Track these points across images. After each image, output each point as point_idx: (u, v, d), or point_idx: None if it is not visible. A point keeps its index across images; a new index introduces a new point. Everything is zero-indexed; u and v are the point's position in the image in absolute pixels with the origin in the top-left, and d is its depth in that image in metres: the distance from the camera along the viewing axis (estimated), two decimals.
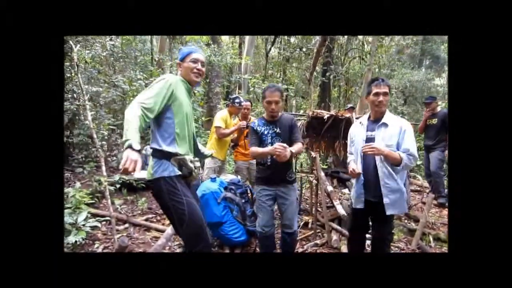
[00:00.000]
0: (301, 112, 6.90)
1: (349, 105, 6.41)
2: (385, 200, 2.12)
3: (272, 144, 2.38)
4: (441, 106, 6.30)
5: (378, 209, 2.18)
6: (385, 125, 2.19)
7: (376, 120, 2.26)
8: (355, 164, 2.28)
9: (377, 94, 2.17)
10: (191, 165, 1.83)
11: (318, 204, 3.54)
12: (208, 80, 7.68)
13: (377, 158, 2.16)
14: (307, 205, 4.30)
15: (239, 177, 3.45)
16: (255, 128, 2.51)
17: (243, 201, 3.01)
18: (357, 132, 2.34)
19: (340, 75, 9.00)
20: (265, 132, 2.44)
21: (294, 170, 2.59)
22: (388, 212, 2.12)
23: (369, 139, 2.23)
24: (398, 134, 2.14)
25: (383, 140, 2.15)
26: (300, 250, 3.05)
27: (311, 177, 3.90)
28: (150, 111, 1.60)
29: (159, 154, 1.73)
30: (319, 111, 3.74)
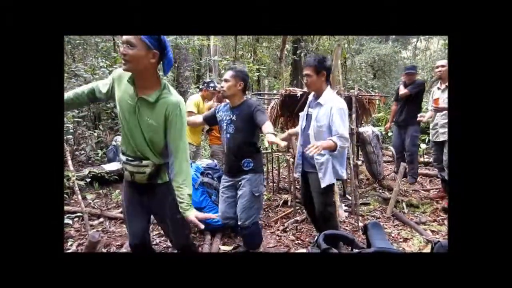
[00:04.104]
0: (274, 91, 6.85)
1: None
2: (319, 174, 2.23)
3: (226, 131, 2.22)
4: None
5: (311, 181, 2.32)
6: (320, 105, 2.22)
7: (316, 98, 2.30)
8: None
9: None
10: (121, 166, 1.69)
11: (296, 182, 3.57)
12: (176, 65, 7.35)
13: (311, 136, 2.24)
14: (286, 184, 4.34)
15: (215, 161, 3.40)
16: (217, 111, 2.36)
17: None
18: (305, 108, 2.43)
19: (311, 52, 8.95)
20: (224, 118, 2.26)
21: (254, 159, 2.25)
22: (323, 184, 2.22)
23: (308, 116, 2.33)
24: (328, 115, 2.16)
25: (316, 120, 2.22)
26: (281, 228, 3.09)
27: (288, 155, 3.92)
28: (96, 88, 1.64)
29: None
30: (292, 88, 3.69)
